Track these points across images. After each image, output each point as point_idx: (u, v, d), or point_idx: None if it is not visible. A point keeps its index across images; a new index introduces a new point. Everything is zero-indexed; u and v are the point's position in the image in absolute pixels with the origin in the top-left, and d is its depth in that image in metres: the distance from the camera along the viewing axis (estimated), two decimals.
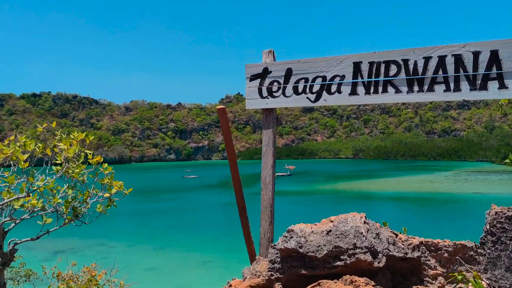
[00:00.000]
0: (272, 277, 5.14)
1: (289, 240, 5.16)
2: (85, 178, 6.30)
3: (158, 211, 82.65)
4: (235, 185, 6.98)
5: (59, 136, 5.87)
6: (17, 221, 5.85)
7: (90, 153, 6.05)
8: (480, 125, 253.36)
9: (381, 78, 5.53)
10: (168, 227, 68.14)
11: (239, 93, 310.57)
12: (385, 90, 5.51)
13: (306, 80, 5.91)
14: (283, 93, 6.08)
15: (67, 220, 6.10)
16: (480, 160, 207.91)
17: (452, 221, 67.44)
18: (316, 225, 5.19)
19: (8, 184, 5.48)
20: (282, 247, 5.11)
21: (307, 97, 5.93)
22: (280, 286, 5.10)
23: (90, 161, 6.09)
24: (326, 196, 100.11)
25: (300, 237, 5.08)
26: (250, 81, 6.28)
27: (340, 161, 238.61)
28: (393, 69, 5.46)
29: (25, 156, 5.49)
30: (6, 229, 5.97)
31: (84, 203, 6.22)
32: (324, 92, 5.82)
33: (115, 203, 6.40)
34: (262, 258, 5.74)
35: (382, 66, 5.50)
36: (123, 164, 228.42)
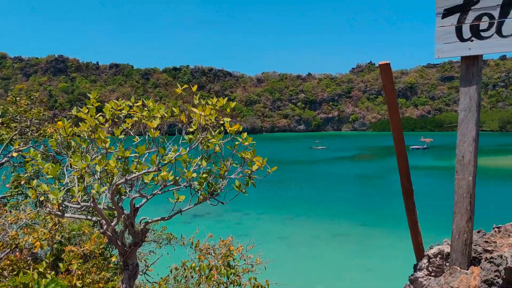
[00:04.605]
0: None
1: None
2: (222, 149, 5.36)
3: (287, 181, 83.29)
4: (400, 160, 5.49)
5: (196, 101, 4.95)
6: (148, 197, 5.13)
7: (228, 121, 5.05)
8: None
9: None
10: (297, 197, 68.31)
11: (370, 61, 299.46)
12: None
13: None
14: (498, 32, 4.21)
15: (201, 197, 5.25)
16: None
17: None
18: None
19: (138, 155, 4.73)
20: None
21: None
22: None
23: (228, 130, 5.10)
24: None
25: None
26: (443, 17, 4.47)
27: (483, 134, 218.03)
28: None
29: (156, 124, 4.66)
30: (138, 205, 5.30)
31: (221, 179, 5.30)
32: None
33: (254, 182, 5.37)
34: (458, 268, 4.20)
35: None
36: (255, 134, 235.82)
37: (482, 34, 4.27)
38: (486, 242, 4.76)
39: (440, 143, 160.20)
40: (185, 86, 5.38)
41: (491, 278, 3.60)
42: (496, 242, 4.64)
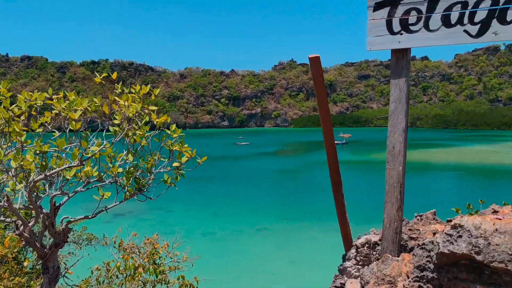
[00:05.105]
0: None
1: (456, 240, 3.56)
2: (149, 143, 5.13)
3: (211, 177, 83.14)
4: (329, 153, 5.59)
5: (119, 90, 4.68)
6: (70, 195, 4.79)
7: (154, 109, 4.84)
8: None
9: None
10: (222, 194, 68.37)
11: (292, 59, 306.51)
12: None
13: (465, 4, 4.17)
14: (426, 26, 4.35)
15: (128, 194, 4.99)
16: None
17: None
18: (499, 219, 3.62)
19: (57, 149, 4.37)
20: (445, 251, 3.53)
21: (465, 30, 4.18)
22: None
23: (155, 121, 4.88)
24: (383, 166, 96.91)
25: (477, 237, 3.44)
26: (374, 11, 4.55)
27: None
28: None
29: (77, 115, 4.34)
30: (58, 204, 4.92)
31: (148, 174, 5.07)
32: (495, 21, 4.03)
33: (183, 173, 5.21)
34: (390, 256, 4.32)
35: None
36: None
37: (411, 28, 4.43)
38: (410, 230, 4.97)
39: (358, 138, 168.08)
40: (104, 74, 5.10)
41: (423, 263, 3.75)
42: (419, 230, 4.86)
